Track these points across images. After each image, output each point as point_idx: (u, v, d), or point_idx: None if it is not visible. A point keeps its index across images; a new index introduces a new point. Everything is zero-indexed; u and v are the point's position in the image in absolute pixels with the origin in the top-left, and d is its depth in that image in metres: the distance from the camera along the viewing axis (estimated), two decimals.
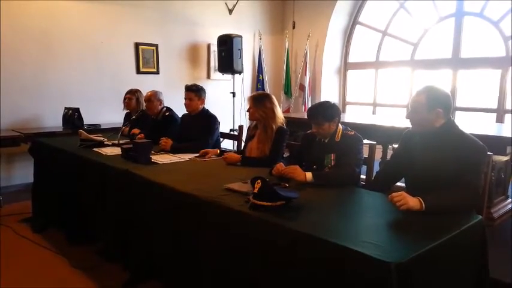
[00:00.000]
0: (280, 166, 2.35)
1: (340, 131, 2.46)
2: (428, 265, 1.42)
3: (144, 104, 4.08)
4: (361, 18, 6.76)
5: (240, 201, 1.90)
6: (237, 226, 1.81)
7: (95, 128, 4.70)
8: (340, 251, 1.41)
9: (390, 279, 1.26)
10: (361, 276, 1.34)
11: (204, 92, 3.50)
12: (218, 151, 3.10)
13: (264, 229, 1.68)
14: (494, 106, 5.31)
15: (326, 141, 2.48)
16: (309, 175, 2.24)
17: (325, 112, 2.39)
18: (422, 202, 1.73)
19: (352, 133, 2.45)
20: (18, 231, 3.49)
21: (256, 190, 1.78)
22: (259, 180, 1.80)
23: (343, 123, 2.57)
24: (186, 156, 3.00)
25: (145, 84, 4.86)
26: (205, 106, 3.54)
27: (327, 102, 2.50)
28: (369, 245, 1.41)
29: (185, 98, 3.47)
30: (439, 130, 2.01)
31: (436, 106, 1.98)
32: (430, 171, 1.99)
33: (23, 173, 4.63)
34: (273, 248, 1.64)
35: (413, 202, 1.73)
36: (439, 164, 1.97)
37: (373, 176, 2.53)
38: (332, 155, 2.41)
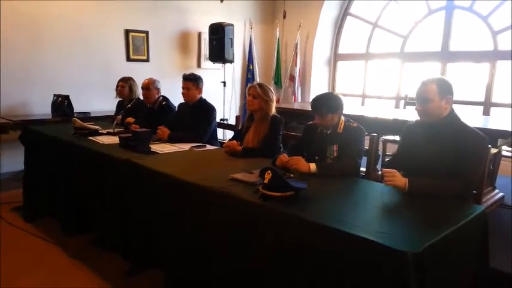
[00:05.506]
0: (284, 157, 2.37)
1: (343, 122, 2.47)
2: (440, 255, 1.45)
3: (138, 92, 4.02)
4: (352, 10, 6.76)
5: (247, 192, 1.90)
6: (246, 216, 1.81)
7: (85, 116, 4.59)
8: (355, 241, 1.43)
9: (408, 269, 1.29)
10: (378, 267, 1.36)
11: (202, 82, 3.47)
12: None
13: (276, 219, 1.69)
14: (481, 99, 5.43)
15: (328, 132, 2.49)
16: (312, 166, 2.26)
17: (330, 103, 2.41)
18: (407, 184, 1.87)
19: (355, 125, 2.47)
20: (9, 220, 3.42)
21: (266, 181, 1.79)
22: (269, 171, 1.81)
23: None
24: (185, 146, 2.98)
25: (135, 72, 4.74)
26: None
27: (331, 93, 2.51)
28: (383, 235, 1.44)
29: (182, 88, 3.43)
30: (444, 120, 2.08)
31: (446, 93, 2.06)
32: (433, 162, 2.04)
33: (11, 161, 4.50)
34: (284, 238, 1.65)
35: (400, 182, 1.89)
36: (442, 155, 2.03)
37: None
38: (334, 146, 2.43)
